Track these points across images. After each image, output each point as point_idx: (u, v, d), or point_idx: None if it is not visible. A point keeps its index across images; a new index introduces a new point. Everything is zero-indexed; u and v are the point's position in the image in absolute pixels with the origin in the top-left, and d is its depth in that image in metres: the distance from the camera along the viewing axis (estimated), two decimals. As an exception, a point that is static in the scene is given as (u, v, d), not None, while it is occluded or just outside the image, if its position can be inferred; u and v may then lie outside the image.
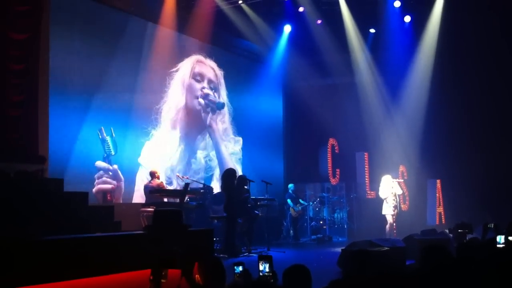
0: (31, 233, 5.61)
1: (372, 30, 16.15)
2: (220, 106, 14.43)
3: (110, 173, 11.36)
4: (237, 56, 15.88)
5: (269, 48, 16.13)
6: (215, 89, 14.50)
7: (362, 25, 15.63)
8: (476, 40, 14.51)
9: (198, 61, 14.09)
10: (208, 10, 13.64)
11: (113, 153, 11.34)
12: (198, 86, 13.98)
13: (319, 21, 15.49)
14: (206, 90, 14.08)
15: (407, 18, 15.62)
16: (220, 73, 14.75)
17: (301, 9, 15.18)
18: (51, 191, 6.74)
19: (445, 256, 4.56)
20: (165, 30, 13.04)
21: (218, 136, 14.55)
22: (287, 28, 16.00)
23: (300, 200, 15.21)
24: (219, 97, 14.60)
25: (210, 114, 14.15)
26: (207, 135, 14.24)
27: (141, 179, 12.01)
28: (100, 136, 11.17)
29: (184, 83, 13.62)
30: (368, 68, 16.43)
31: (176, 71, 13.45)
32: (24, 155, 8.47)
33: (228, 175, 11.36)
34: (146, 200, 11.30)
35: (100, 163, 11.19)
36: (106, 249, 5.64)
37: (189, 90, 13.76)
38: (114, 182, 11.42)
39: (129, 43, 12.18)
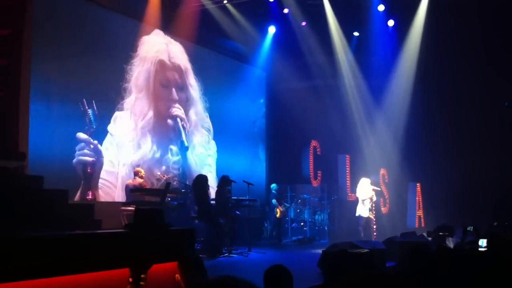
0: (10, 230, 5.53)
1: (356, 33, 16.24)
2: (184, 149, 13.91)
3: (92, 146, 11.34)
4: (221, 56, 15.80)
5: (253, 49, 16.12)
6: (182, 88, 13.98)
7: (346, 28, 15.71)
8: (458, 44, 14.64)
9: (160, 64, 13.33)
10: (193, 9, 13.60)
11: (94, 126, 11.32)
12: (165, 94, 13.47)
13: (303, 23, 15.54)
14: (175, 110, 13.63)
15: (391, 22, 15.73)
16: (186, 66, 14.14)
17: (286, 10, 15.21)
18: (31, 188, 6.65)
19: (428, 259, 4.59)
20: (150, 29, 12.97)
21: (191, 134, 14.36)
22: (272, 29, 16.02)
23: (285, 203, 15.17)
24: (188, 93, 14.13)
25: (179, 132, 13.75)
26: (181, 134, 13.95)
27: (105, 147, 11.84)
28: (82, 109, 11.14)
29: (150, 87, 13.02)
30: (351, 71, 16.50)
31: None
32: (4, 152, 8.35)
33: (198, 181, 11.36)
34: (126, 199, 11.23)
35: (81, 135, 11.15)
36: (85, 247, 5.58)
37: (157, 97, 13.23)
38: (95, 156, 11.41)
39: (113, 41, 12.09)
